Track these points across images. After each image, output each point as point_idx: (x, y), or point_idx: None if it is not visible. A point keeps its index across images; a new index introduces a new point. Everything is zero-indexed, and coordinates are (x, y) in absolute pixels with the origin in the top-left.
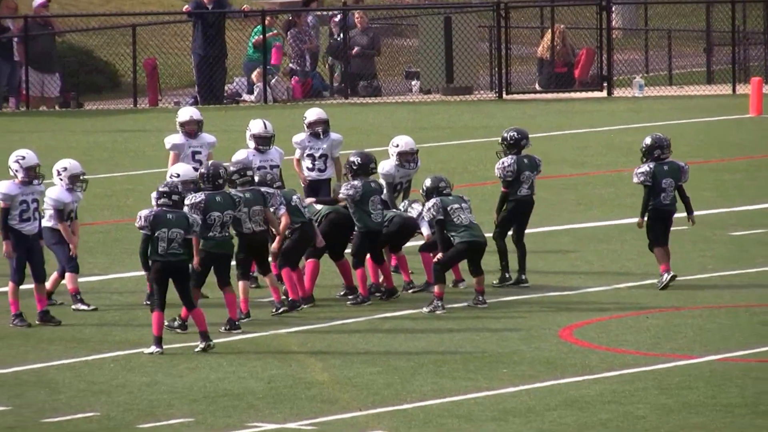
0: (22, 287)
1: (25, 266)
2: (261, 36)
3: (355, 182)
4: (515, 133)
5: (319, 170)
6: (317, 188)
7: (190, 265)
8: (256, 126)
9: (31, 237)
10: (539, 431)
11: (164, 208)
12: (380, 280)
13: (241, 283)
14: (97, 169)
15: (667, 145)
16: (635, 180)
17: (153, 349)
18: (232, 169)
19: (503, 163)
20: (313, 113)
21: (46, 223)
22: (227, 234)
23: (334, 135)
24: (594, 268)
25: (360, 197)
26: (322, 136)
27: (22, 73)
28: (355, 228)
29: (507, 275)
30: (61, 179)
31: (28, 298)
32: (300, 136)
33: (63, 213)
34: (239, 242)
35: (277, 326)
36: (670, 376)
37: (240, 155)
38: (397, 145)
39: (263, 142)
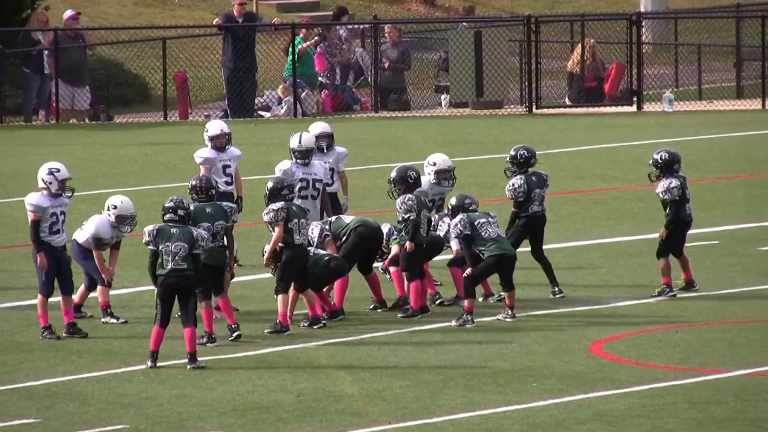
0: (50, 300)
1: (54, 279)
2: (304, 45)
3: (410, 196)
4: (525, 152)
5: (326, 184)
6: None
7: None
8: (293, 141)
9: (59, 249)
10: None
11: (169, 223)
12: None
13: (281, 296)
14: (127, 182)
15: (680, 158)
16: (668, 197)
17: (148, 363)
18: (274, 185)
19: (513, 185)
20: (316, 127)
21: (77, 236)
22: (219, 244)
23: (338, 148)
24: (624, 283)
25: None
26: (326, 150)
27: (52, 85)
28: (390, 242)
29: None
30: (110, 215)
31: (56, 310)
32: None
33: (100, 242)
34: (288, 254)
35: (306, 339)
36: (700, 391)
37: (284, 165)
38: (435, 164)
39: (300, 156)
